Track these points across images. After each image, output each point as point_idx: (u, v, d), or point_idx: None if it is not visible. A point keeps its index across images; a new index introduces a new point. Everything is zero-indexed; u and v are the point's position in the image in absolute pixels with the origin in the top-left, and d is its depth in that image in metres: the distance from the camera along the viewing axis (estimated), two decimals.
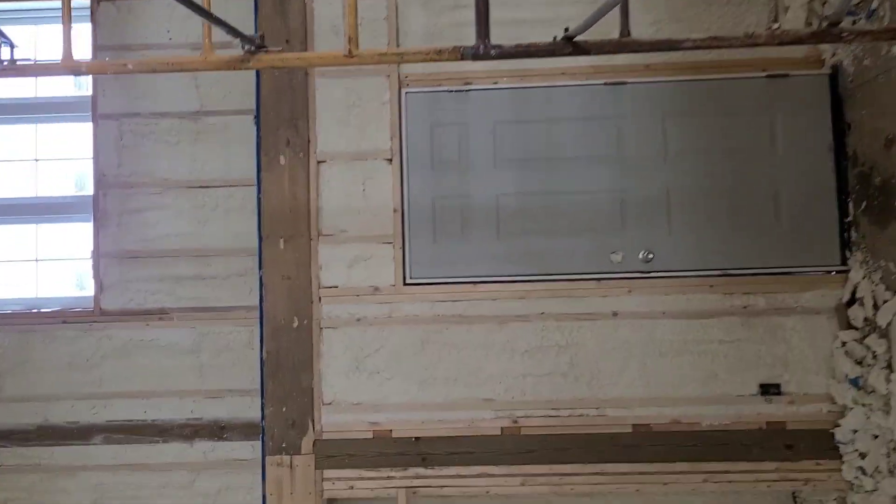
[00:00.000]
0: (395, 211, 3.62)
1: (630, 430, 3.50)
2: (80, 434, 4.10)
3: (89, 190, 4.22)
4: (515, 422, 3.54)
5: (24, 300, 4.35)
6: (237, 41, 2.31)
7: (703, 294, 3.52)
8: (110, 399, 4.13)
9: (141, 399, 4.12)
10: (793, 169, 3.53)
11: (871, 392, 3.29)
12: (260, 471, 3.57)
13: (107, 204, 4.14)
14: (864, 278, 3.37)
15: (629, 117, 3.61)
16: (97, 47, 4.15)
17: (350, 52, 2.20)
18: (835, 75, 3.52)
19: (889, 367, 3.22)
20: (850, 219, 3.48)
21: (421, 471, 3.51)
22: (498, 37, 2.12)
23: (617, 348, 3.54)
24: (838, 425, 3.42)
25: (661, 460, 3.47)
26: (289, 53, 2.92)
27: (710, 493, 4.00)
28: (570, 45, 2.15)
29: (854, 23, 3.27)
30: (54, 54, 4.33)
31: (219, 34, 2.31)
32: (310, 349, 3.55)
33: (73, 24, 2.30)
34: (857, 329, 3.41)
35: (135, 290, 4.15)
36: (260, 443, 3.52)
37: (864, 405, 3.32)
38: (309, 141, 3.65)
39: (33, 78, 4.20)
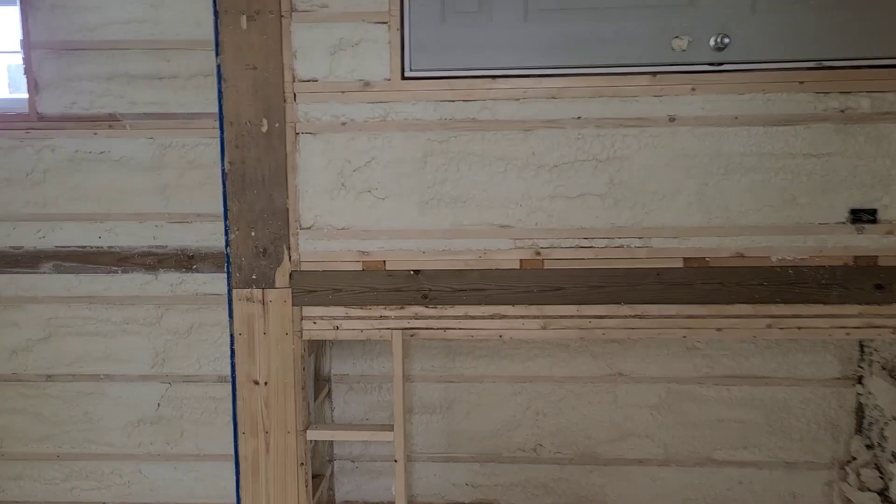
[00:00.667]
0: None
1: (681, 264, 2.83)
2: (26, 261, 3.55)
3: None
4: (538, 253, 2.87)
5: None
6: None
7: (789, 93, 2.71)
8: (58, 222, 3.54)
9: (95, 223, 3.54)
10: None
11: None
12: None
13: None
14: None
15: None
16: None
17: None
18: None
19: None
20: None
21: (420, 310, 2.89)
22: None
23: (671, 163, 2.79)
24: None
25: (716, 302, 2.83)
26: None
27: (765, 344, 3.43)
28: None
29: None
30: None
31: None
32: (283, 160, 2.82)
33: None
34: None
35: (78, 92, 3.46)
36: (226, 274, 2.89)
37: None
38: None
39: None
